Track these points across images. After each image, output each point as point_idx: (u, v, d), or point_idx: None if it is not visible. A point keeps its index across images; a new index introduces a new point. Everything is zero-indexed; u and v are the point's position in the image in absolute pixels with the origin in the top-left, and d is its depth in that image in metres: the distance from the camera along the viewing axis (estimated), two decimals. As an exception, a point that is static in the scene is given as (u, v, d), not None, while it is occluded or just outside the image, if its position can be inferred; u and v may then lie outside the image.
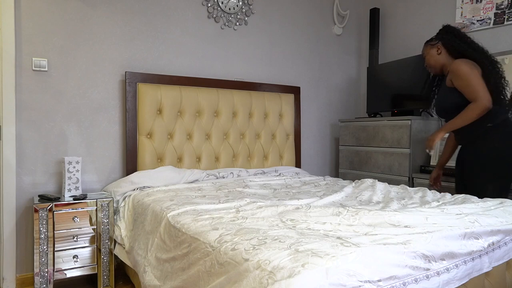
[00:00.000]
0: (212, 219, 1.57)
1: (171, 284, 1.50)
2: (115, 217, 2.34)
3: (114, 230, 2.31)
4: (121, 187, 2.40)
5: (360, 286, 1.02)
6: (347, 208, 1.61)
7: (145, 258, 1.78)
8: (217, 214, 1.64)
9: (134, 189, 2.40)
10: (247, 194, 2.18)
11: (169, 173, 2.54)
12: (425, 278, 1.17)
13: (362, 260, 1.08)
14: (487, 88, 1.96)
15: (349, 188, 2.24)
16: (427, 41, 2.27)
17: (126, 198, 2.34)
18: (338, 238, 1.25)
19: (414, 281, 1.14)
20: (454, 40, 2.13)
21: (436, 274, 1.20)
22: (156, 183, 2.46)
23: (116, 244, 2.30)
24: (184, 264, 1.46)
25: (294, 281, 0.97)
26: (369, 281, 1.04)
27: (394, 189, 2.24)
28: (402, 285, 1.11)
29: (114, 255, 2.32)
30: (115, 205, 2.38)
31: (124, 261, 2.19)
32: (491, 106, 1.94)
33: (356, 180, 2.49)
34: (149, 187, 2.41)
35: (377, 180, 2.44)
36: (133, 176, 2.45)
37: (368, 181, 2.40)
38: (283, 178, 2.77)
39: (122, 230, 2.22)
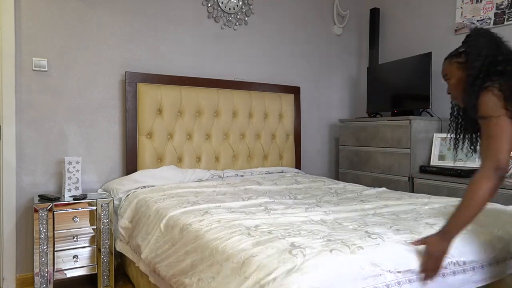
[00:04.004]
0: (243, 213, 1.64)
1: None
2: (118, 212, 2.34)
3: (115, 226, 2.31)
4: (123, 185, 2.40)
5: (380, 274, 1.11)
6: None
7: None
8: (247, 209, 1.77)
9: (138, 187, 2.40)
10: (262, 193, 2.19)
11: (172, 173, 2.55)
12: (440, 275, 1.18)
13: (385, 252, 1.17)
14: None
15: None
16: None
17: (130, 195, 2.34)
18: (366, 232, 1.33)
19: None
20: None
21: (452, 274, 1.21)
22: (159, 182, 2.46)
23: (117, 240, 2.31)
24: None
25: (320, 259, 1.07)
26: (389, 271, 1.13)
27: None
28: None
29: (114, 255, 2.32)
30: (116, 202, 2.38)
31: (126, 254, 2.19)
32: (505, 173, 1.17)
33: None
34: (152, 186, 2.42)
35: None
36: (136, 175, 2.46)
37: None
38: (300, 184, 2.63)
39: (126, 223, 2.23)
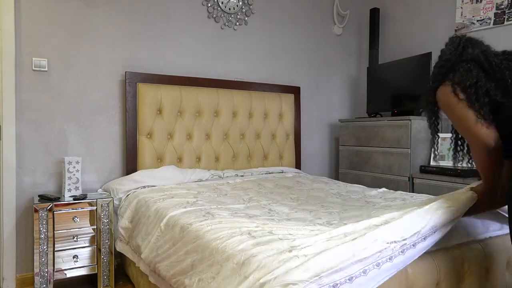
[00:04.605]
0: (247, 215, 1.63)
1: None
2: (118, 212, 2.34)
3: (115, 227, 2.31)
4: (123, 185, 2.40)
5: (386, 248, 1.10)
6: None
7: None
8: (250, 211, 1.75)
9: (138, 188, 2.40)
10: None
11: (172, 173, 2.55)
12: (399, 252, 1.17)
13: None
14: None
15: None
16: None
17: (130, 195, 2.34)
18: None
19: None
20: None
21: (411, 246, 1.21)
22: (159, 182, 2.46)
23: (117, 240, 2.31)
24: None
25: (322, 257, 1.06)
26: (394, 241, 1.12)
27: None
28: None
29: (114, 255, 2.32)
30: (116, 202, 2.39)
31: (126, 254, 2.19)
32: (491, 142, 1.24)
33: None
34: (152, 186, 2.42)
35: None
36: (136, 175, 2.46)
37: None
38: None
39: (126, 223, 2.23)
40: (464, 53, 1.36)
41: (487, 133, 1.24)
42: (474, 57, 1.34)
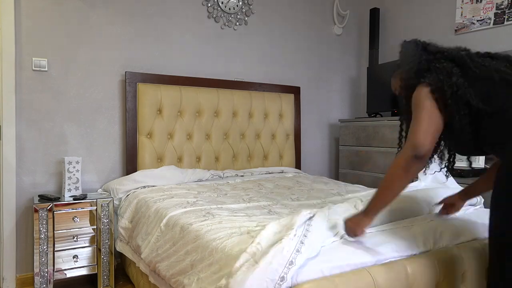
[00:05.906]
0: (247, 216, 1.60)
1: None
2: (118, 212, 2.34)
3: (115, 227, 2.31)
4: (123, 185, 2.40)
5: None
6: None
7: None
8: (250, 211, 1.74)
9: (138, 188, 2.40)
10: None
11: (172, 173, 2.55)
12: None
13: None
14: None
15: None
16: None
17: (130, 195, 2.34)
18: None
19: None
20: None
21: None
22: (159, 182, 2.46)
23: (117, 240, 2.31)
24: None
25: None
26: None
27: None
28: None
29: (114, 255, 2.32)
30: (116, 202, 2.39)
31: (126, 255, 2.19)
32: (421, 153, 1.20)
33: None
34: (152, 186, 2.42)
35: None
36: (136, 175, 2.46)
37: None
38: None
39: (126, 223, 2.23)
40: (437, 53, 1.35)
41: (431, 145, 1.20)
42: (457, 56, 1.29)
